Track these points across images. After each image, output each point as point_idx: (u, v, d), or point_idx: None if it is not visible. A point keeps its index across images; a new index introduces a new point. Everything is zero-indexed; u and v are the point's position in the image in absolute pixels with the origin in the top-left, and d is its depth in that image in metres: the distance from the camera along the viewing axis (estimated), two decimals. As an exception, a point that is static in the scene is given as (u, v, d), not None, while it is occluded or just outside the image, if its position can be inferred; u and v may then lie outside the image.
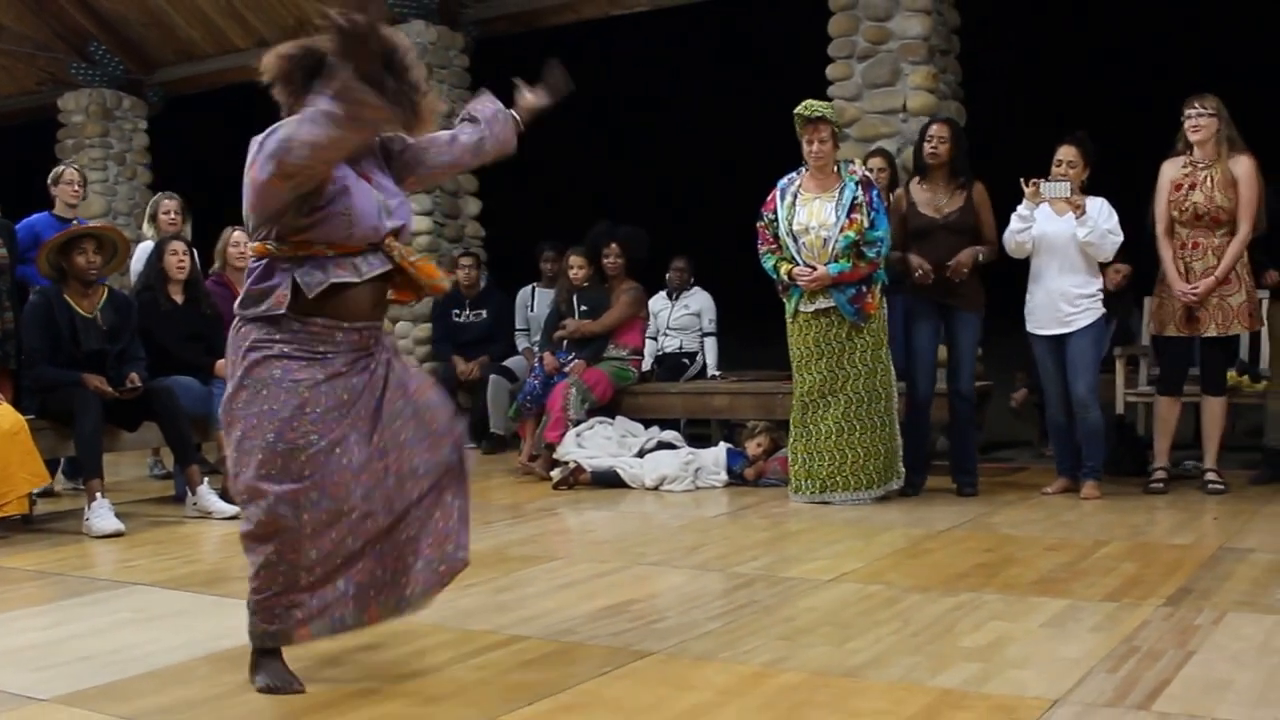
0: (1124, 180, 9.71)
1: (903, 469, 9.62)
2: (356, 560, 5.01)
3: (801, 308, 9.42)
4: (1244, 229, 9.34)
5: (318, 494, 4.86)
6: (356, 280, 4.91)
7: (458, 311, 14.38)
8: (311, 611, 4.97)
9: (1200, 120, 9.30)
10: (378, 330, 5.16)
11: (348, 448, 4.91)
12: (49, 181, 11.67)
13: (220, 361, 10.19)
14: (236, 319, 5.00)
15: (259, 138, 4.77)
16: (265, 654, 5.03)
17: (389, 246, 4.97)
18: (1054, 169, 9.41)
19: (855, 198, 9.23)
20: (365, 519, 4.97)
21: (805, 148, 9.37)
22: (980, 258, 9.72)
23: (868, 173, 9.66)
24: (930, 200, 9.82)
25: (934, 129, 9.93)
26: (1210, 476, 9.56)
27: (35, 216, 11.45)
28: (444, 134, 5.46)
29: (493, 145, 5.55)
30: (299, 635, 5.01)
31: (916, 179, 10.02)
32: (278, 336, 4.87)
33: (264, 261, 4.92)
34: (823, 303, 9.32)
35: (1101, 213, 9.30)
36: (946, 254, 9.62)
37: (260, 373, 4.87)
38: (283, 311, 4.84)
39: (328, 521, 4.89)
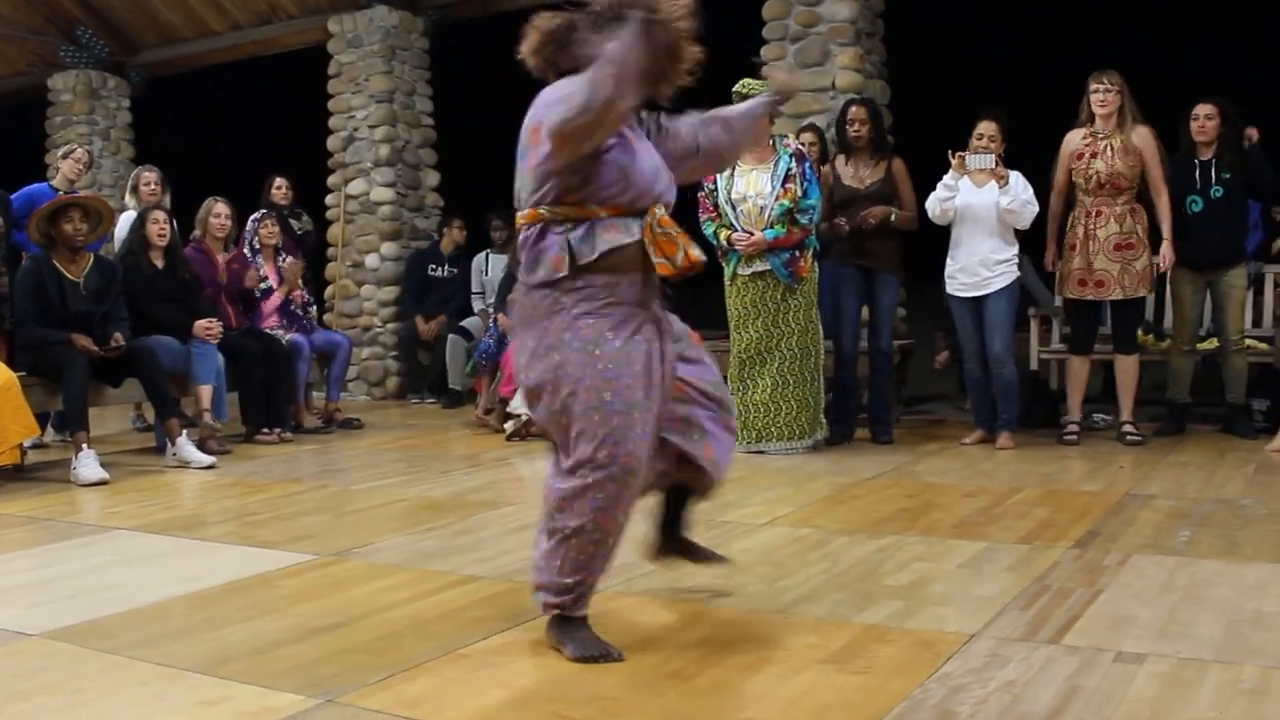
0: (1034, 154, 9.72)
1: (824, 420, 9.62)
2: None
3: (739, 271, 9.42)
4: (1165, 191, 9.42)
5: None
6: (628, 240, 4.50)
7: (434, 266, 14.51)
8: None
9: (1106, 96, 9.37)
10: (655, 285, 4.69)
11: (644, 415, 4.49)
12: (60, 155, 11.62)
13: (199, 322, 10.20)
14: (522, 288, 4.58)
15: (541, 100, 4.51)
16: (569, 621, 4.58)
17: (650, 212, 4.55)
18: (974, 142, 9.43)
19: (789, 169, 9.24)
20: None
21: (742, 122, 9.33)
22: (893, 218, 9.88)
23: (800, 146, 9.66)
24: (854, 173, 9.97)
25: (854, 111, 10.07)
26: (1127, 428, 9.60)
27: (35, 186, 11.42)
28: (690, 119, 5.04)
29: (740, 132, 5.13)
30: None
31: (841, 157, 10.08)
32: (564, 300, 4.45)
33: (537, 227, 4.53)
34: (759, 266, 9.32)
35: (1020, 184, 9.31)
36: (861, 222, 9.74)
37: (553, 338, 4.45)
38: (563, 274, 4.44)
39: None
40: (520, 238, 4.63)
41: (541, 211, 4.50)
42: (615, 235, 4.47)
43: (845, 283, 9.86)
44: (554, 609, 4.52)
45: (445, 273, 14.49)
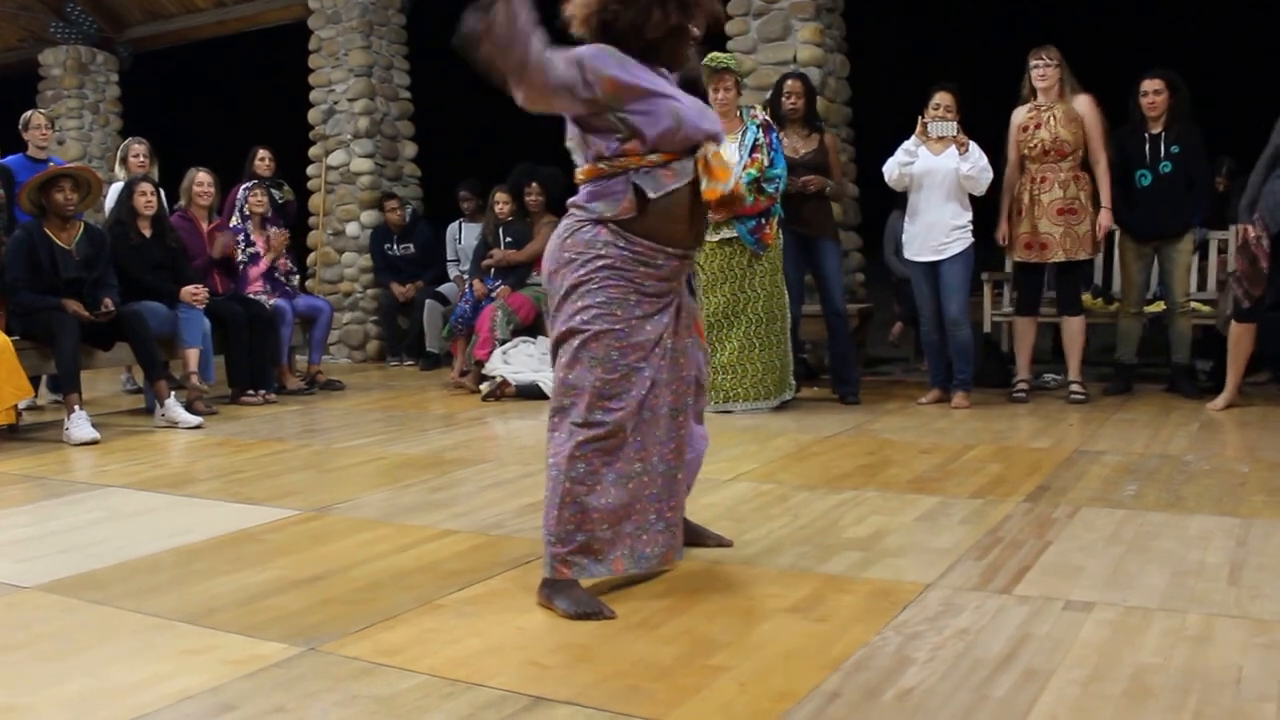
0: (989, 125, 9.73)
1: (794, 382, 9.63)
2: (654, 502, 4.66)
3: (707, 237, 9.37)
4: (1104, 158, 9.46)
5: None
6: (683, 183, 4.47)
7: (389, 245, 14.50)
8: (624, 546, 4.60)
9: (1046, 70, 9.44)
10: (689, 262, 4.71)
11: (641, 381, 4.48)
12: (19, 127, 11.54)
13: (186, 288, 10.20)
14: (576, 218, 4.53)
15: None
16: (560, 580, 4.53)
17: (704, 145, 4.51)
18: (931, 112, 9.42)
19: (756, 139, 9.22)
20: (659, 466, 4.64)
21: (712, 95, 9.32)
22: (827, 189, 9.94)
23: (767, 117, 9.65)
24: (789, 144, 9.87)
25: (790, 84, 10.06)
26: (1074, 387, 9.66)
27: (9, 158, 11.33)
28: None
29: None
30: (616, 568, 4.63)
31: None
32: (605, 255, 4.42)
33: (595, 181, 4.50)
34: (727, 233, 9.28)
35: (977, 151, 9.33)
36: (803, 187, 9.76)
37: (599, 287, 4.42)
38: (631, 216, 4.42)
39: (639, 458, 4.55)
40: (581, 195, 4.57)
41: (600, 166, 4.47)
42: (672, 180, 4.45)
43: (785, 251, 9.83)
44: (560, 562, 4.46)
45: (399, 250, 14.51)
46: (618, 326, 4.41)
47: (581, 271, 4.44)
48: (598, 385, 4.39)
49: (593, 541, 4.48)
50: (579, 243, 4.47)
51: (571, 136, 4.57)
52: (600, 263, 4.43)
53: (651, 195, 4.41)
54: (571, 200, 4.61)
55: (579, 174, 4.58)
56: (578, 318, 4.42)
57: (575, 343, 4.43)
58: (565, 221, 4.58)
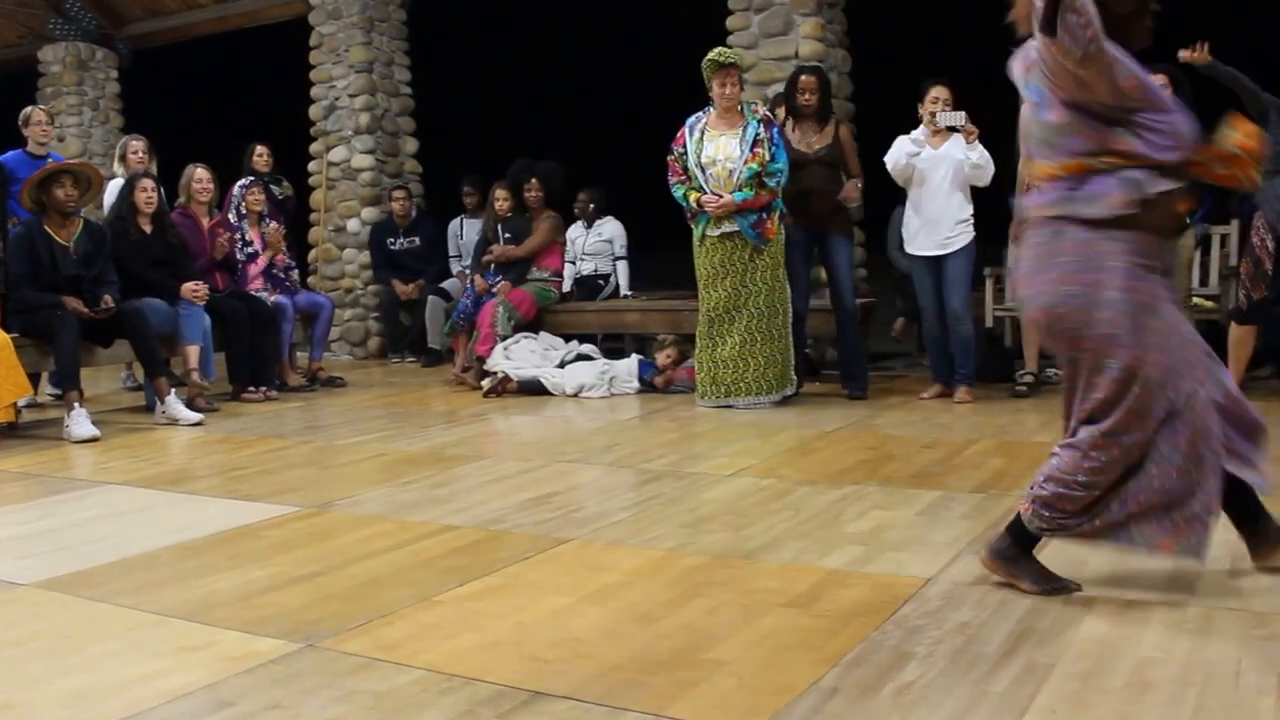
0: (988, 120, 9.72)
1: (795, 376, 9.63)
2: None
3: (708, 232, 9.43)
4: None
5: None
6: (1178, 185, 4.24)
7: (393, 240, 14.46)
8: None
9: None
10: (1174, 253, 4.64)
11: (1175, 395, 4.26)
12: (19, 123, 11.53)
13: (187, 284, 10.20)
14: (1055, 223, 4.34)
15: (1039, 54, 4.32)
16: (1025, 557, 4.60)
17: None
18: (931, 105, 9.40)
19: (758, 134, 9.25)
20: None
21: (715, 89, 9.36)
22: (858, 186, 9.86)
23: (769, 113, 9.65)
24: (802, 138, 9.88)
25: (804, 80, 9.98)
26: None
27: (9, 154, 11.32)
28: None
29: None
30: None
31: (790, 121, 10.03)
32: (1108, 246, 4.24)
33: (1069, 178, 4.33)
34: (728, 227, 9.33)
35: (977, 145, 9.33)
36: (819, 182, 9.77)
37: (1090, 284, 4.23)
38: (1129, 212, 4.19)
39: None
40: (1053, 192, 4.39)
41: (1086, 162, 4.26)
42: (1169, 182, 4.21)
43: (795, 245, 9.81)
44: (1051, 523, 4.51)
45: (403, 244, 14.48)
46: (1152, 339, 4.25)
47: (1078, 270, 4.29)
48: (1129, 404, 4.32)
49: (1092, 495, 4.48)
50: (1059, 246, 4.34)
51: (1045, 122, 4.43)
52: (1108, 270, 4.25)
53: (1148, 191, 4.21)
54: (1035, 206, 4.48)
55: (1052, 168, 4.41)
56: (1092, 319, 4.29)
57: (1101, 351, 4.33)
58: (1041, 233, 4.42)
